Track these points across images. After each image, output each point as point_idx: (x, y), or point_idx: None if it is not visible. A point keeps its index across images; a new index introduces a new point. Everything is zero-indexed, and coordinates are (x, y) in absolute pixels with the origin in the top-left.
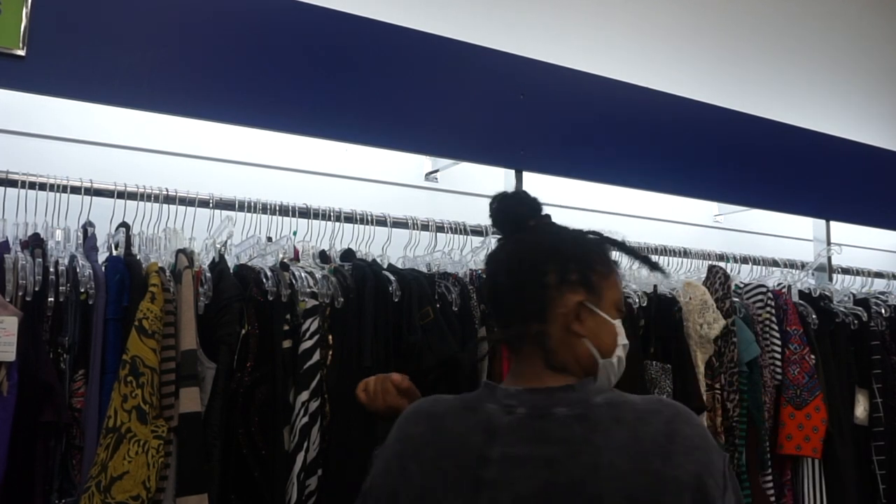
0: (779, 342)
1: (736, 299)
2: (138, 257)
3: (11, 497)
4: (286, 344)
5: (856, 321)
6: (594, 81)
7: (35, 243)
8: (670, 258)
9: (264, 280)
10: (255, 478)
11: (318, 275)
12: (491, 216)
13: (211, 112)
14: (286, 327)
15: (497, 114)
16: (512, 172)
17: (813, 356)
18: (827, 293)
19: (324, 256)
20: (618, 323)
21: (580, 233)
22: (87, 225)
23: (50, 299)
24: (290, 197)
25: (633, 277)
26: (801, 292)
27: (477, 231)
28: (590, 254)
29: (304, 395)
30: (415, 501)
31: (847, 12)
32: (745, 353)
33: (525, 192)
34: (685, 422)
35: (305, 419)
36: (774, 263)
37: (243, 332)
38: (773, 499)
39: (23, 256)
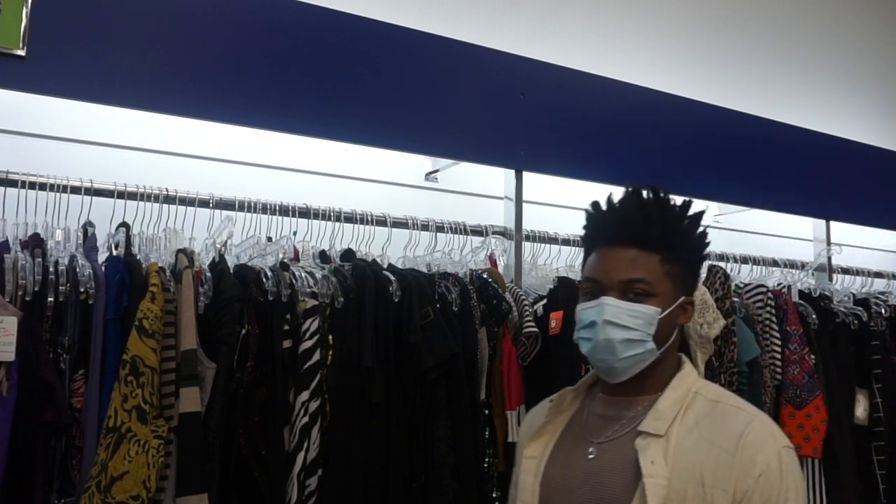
0: (779, 342)
1: (736, 299)
2: (138, 257)
3: (11, 497)
4: (286, 344)
5: (856, 321)
6: (594, 81)
7: (35, 243)
8: None
9: (264, 280)
10: (256, 478)
11: (318, 275)
12: None
13: (211, 112)
14: (286, 327)
15: (497, 114)
16: (512, 172)
17: (813, 356)
18: (827, 293)
19: (324, 256)
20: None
21: None
22: (87, 225)
23: (50, 299)
24: (290, 197)
25: None
26: (801, 292)
27: (477, 231)
28: None
29: (305, 395)
30: None
31: (847, 12)
32: (745, 353)
33: None
34: None
35: (305, 419)
36: (774, 263)
37: (243, 332)
38: None
39: (23, 256)
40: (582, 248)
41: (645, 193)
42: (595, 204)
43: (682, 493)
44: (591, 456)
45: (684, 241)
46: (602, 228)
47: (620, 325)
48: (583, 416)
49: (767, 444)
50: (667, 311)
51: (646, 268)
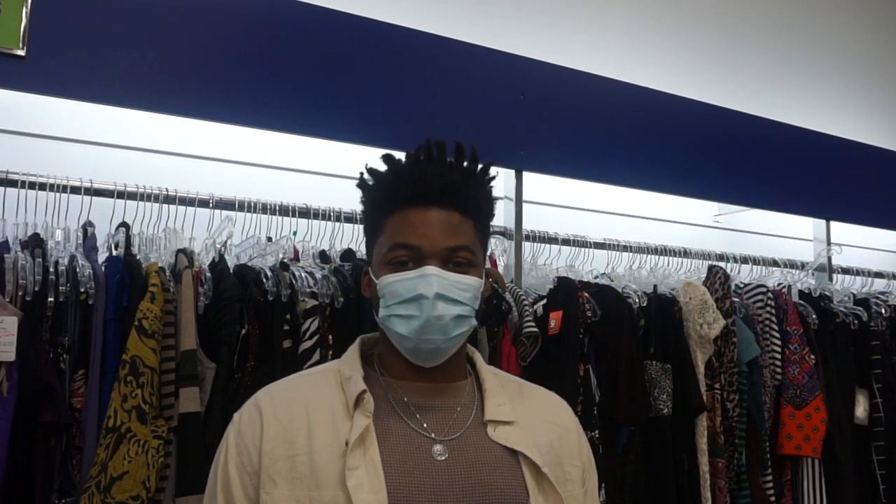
0: (779, 342)
1: (736, 299)
2: (138, 257)
3: (11, 497)
4: (286, 344)
5: (856, 321)
6: (594, 81)
7: (35, 243)
8: (670, 258)
9: (264, 280)
10: None
11: (318, 275)
12: None
13: (211, 112)
14: (286, 327)
15: (497, 114)
16: (512, 172)
17: (813, 356)
18: (827, 293)
19: (324, 256)
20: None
21: None
22: (87, 225)
23: (50, 299)
24: (290, 197)
25: (633, 277)
26: (801, 292)
27: None
28: None
29: None
30: None
31: (847, 13)
32: (745, 353)
33: None
34: None
35: None
36: (774, 263)
37: (243, 331)
38: (773, 499)
39: (23, 256)
40: (580, 248)
41: (453, 150)
42: (388, 157)
43: (553, 478)
44: (441, 457)
45: (490, 208)
46: (416, 185)
47: (452, 299)
48: (391, 408)
49: (575, 417)
50: (483, 284)
51: (468, 234)
